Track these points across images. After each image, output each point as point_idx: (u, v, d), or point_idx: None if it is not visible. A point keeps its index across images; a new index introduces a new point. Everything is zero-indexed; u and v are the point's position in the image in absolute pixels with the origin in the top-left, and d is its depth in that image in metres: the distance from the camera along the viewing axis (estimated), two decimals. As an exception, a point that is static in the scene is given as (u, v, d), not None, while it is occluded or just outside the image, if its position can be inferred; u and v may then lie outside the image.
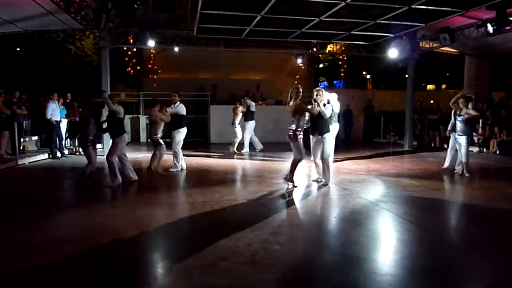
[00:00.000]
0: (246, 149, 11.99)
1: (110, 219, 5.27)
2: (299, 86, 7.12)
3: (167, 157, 8.82)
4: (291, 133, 6.77)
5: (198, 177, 8.34)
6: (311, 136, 7.27)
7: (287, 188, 6.82)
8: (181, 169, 8.83)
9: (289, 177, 6.90)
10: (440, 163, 9.82)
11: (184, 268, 3.64)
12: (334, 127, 9.72)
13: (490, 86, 16.72)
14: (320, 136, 7.04)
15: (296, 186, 6.92)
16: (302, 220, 5.22)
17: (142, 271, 3.60)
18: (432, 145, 13.54)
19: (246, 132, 11.90)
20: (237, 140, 12.00)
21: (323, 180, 7.19)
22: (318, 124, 7.04)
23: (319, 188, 6.99)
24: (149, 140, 8.85)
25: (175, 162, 8.74)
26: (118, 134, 7.29)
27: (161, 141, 8.47)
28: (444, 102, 15.46)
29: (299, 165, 6.93)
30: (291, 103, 6.79)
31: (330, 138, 7.32)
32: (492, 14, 9.75)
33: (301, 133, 6.84)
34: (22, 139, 11.08)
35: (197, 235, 4.63)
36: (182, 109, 8.73)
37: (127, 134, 7.34)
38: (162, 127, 8.56)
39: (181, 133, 8.73)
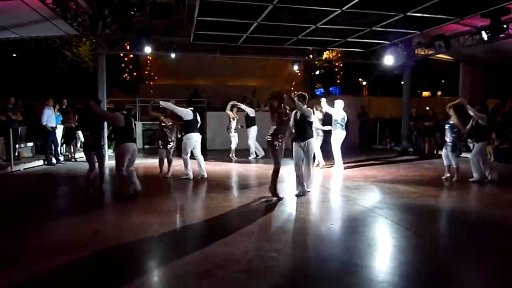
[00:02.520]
0: (252, 155, 12.01)
1: (105, 226, 5.25)
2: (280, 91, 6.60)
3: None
4: (269, 139, 6.41)
5: (194, 183, 8.31)
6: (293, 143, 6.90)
7: (272, 200, 6.46)
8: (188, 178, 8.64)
9: (272, 189, 6.55)
10: (436, 169, 9.85)
11: (180, 276, 3.61)
12: (339, 134, 9.76)
13: (485, 93, 16.84)
14: (301, 142, 6.70)
15: (281, 198, 6.50)
16: (298, 227, 5.21)
17: (136, 279, 3.57)
18: (428, 151, 13.57)
19: (249, 139, 11.97)
20: (234, 147, 12.06)
21: (303, 190, 6.77)
22: (299, 129, 6.78)
23: (315, 194, 6.97)
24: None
25: (187, 169, 8.59)
26: (119, 143, 6.73)
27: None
28: (440, 109, 15.60)
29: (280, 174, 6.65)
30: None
31: (313, 144, 6.89)
32: (487, 22, 9.85)
33: (280, 139, 6.38)
34: (17, 145, 11.05)
35: (192, 243, 4.61)
36: (183, 113, 8.50)
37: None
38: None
39: (188, 140, 8.52)
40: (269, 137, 6.41)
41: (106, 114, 7.20)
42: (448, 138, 8.40)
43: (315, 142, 9.81)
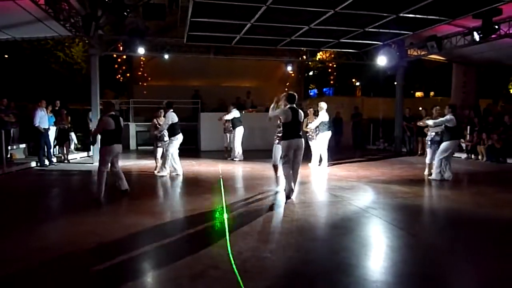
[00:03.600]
0: (238, 156, 11.96)
1: (98, 227, 5.20)
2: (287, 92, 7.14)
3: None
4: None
5: (188, 184, 8.30)
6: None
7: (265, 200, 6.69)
8: (176, 174, 9.15)
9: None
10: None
11: (173, 277, 3.60)
12: (326, 135, 10.18)
13: (477, 93, 16.97)
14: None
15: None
16: (292, 227, 5.21)
17: (129, 281, 3.55)
18: (421, 151, 13.65)
19: (235, 140, 11.93)
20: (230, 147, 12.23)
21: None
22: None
23: (309, 195, 6.98)
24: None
25: (164, 167, 9.08)
26: (104, 144, 6.86)
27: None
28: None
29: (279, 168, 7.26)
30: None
31: (278, 145, 7.24)
32: (478, 23, 9.94)
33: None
34: (9, 147, 10.95)
35: (186, 243, 4.59)
36: (170, 117, 8.88)
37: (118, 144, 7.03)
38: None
39: (176, 141, 8.95)
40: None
41: (98, 128, 7.05)
42: (428, 134, 8.98)
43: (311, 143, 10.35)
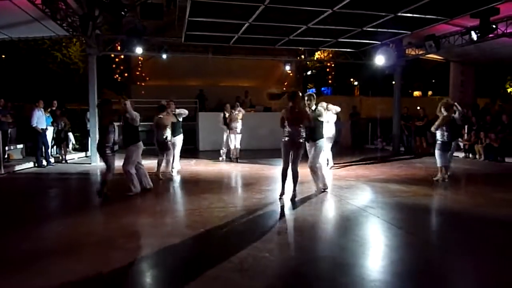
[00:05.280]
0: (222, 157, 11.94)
1: (97, 227, 5.21)
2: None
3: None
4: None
5: (186, 184, 8.29)
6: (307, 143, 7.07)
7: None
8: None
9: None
10: (427, 168, 9.92)
11: (172, 276, 3.60)
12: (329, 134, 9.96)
13: (475, 92, 17.01)
14: (313, 142, 6.90)
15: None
16: (290, 227, 5.21)
17: (127, 281, 3.55)
18: (419, 150, 13.67)
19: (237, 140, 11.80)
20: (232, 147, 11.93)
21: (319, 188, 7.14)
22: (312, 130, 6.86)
23: (308, 194, 6.97)
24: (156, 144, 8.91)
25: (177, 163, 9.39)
26: (133, 142, 7.01)
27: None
28: (430, 109, 15.73)
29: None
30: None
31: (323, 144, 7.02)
32: (476, 22, 9.94)
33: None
34: (7, 147, 10.91)
35: (184, 243, 4.58)
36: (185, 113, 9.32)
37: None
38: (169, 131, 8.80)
39: (180, 140, 9.21)
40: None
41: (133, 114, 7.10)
42: (439, 136, 8.29)
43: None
